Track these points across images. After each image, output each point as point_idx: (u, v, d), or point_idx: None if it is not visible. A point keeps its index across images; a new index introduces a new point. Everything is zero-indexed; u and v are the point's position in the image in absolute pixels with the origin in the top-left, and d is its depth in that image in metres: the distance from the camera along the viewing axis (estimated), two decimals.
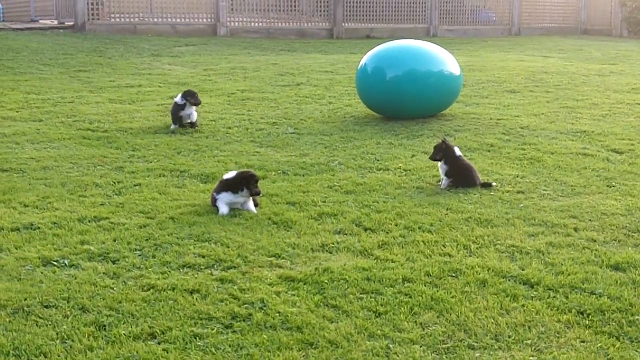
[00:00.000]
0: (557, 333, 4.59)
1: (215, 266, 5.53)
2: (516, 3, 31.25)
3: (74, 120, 10.73)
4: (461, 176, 7.75)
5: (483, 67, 17.94)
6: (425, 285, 5.22)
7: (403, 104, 11.19)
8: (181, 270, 5.46)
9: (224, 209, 6.71)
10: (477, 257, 5.77)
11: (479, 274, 5.41)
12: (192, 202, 7.06)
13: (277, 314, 4.75)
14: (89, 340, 4.41)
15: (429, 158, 8.02)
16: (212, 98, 13.00)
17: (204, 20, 24.83)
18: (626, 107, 12.81)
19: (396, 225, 6.49)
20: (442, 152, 7.79)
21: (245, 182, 6.76)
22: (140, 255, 5.73)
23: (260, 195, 6.92)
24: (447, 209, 6.95)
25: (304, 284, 5.21)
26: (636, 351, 4.41)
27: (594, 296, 5.07)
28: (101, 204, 6.99)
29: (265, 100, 12.95)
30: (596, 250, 5.95)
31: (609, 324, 4.70)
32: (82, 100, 12.34)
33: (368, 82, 11.52)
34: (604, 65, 19.29)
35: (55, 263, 5.52)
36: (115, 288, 5.13)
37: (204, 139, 9.89)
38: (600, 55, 22.12)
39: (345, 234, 6.29)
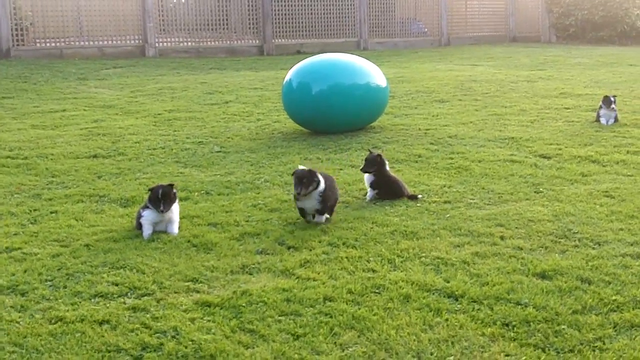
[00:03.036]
0: (481, 347, 4.44)
1: (128, 294, 5.28)
2: (444, 14, 31.43)
3: None
4: (388, 188, 7.62)
5: (413, 78, 17.92)
6: (347, 304, 5.04)
7: (330, 118, 11.05)
8: (92, 300, 5.20)
9: (148, 231, 6.49)
10: (402, 271, 5.62)
11: (403, 288, 5.25)
12: (109, 227, 6.80)
13: (190, 342, 4.52)
14: None
15: (361, 170, 7.78)
16: (137, 120, 12.70)
17: (132, 41, 24.40)
18: (554, 112, 12.88)
19: (320, 242, 6.31)
20: (377, 165, 7.64)
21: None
22: (51, 286, 5.46)
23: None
24: (372, 223, 6.80)
25: (221, 309, 4.99)
26: None
27: (519, 307, 4.95)
28: (15, 234, 6.69)
29: (192, 120, 12.69)
30: (522, 258, 5.84)
31: (535, 335, 4.57)
32: (3, 128, 11.92)
33: (294, 98, 11.35)
34: (533, 71, 19.47)
35: None
36: (21, 322, 4.85)
37: (126, 162, 9.60)
38: (529, 61, 22.34)
39: (268, 254, 6.09)
